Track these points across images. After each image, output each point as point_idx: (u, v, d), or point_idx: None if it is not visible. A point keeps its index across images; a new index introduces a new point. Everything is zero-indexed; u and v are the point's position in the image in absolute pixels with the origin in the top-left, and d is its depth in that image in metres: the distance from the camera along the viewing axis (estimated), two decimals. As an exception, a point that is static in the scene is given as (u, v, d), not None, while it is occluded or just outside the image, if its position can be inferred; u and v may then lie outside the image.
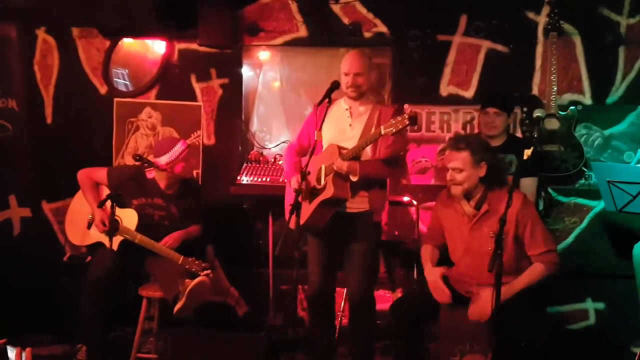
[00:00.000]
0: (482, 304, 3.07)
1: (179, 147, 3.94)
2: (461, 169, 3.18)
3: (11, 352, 1.95)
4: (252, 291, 4.60)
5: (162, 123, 4.74)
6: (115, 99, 4.76)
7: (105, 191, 3.99)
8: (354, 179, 3.30)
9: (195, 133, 4.70)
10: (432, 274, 3.33)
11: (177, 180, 4.04)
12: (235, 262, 4.62)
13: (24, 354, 1.88)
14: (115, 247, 3.76)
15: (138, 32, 4.71)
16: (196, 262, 3.77)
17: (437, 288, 3.27)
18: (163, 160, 3.90)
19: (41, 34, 4.77)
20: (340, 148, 3.37)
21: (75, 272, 4.26)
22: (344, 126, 3.54)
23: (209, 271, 3.75)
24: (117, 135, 4.75)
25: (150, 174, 4.03)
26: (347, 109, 3.55)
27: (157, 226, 3.95)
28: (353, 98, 3.53)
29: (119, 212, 3.83)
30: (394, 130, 3.10)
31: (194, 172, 4.66)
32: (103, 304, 3.76)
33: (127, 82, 4.92)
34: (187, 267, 3.76)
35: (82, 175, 4.02)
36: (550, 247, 3.20)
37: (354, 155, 3.29)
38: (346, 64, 3.49)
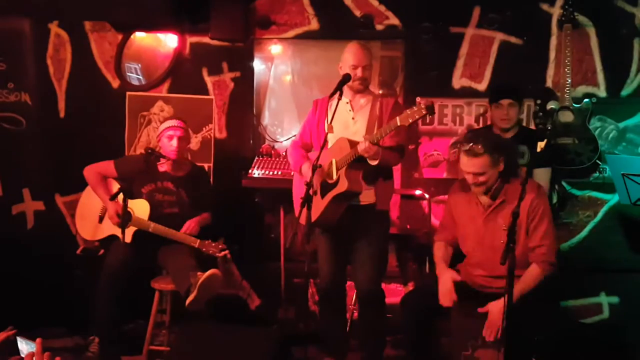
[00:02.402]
0: (495, 321, 3.03)
1: (177, 120, 4.01)
2: (483, 172, 3.12)
3: (21, 344, 1.95)
4: (263, 285, 4.58)
5: (174, 116, 4.71)
6: (128, 93, 4.76)
7: (114, 184, 4.02)
8: (373, 163, 3.26)
9: (207, 126, 4.69)
10: (445, 276, 3.24)
11: (185, 164, 4.06)
12: (247, 255, 4.61)
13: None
14: (129, 239, 3.76)
15: (150, 26, 4.70)
16: (212, 244, 3.77)
17: (444, 290, 3.19)
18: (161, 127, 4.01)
19: (54, 28, 4.77)
20: (351, 141, 3.34)
21: (88, 264, 4.28)
22: (347, 120, 3.53)
23: (226, 251, 3.73)
24: (130, 128, 4.74)
25: (162, 167, 4.03)
26: (347, 102, 3.54)
27: (167, 215, 3.94)
28: (358, 91, 3.51)
29: (130, 203, 3.84)
30: (410, 121, 3.07)
31: (206, 166, 4.66)
32: (116, 296, 3.77)
33: (140, 77, 4.91)
34: (204, 249, 3.76)
35: (89, 171, 4.03)
36: (545, 243, 3.11)
37: (376, 141, 3.25)
38: (353, 57, 3.47)
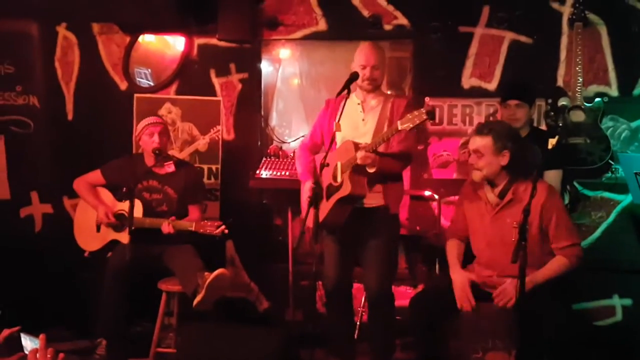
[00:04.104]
0: (509, 289, 3.01)
1: (154, 117, 4.07)
2: (482, 154, 3.12)
3: (25, 340, 1.95)
4: (271, 287, 4.58)
5: (181, 118, 4.74)
6: (136, 95, 4.77)
7: (104, 192, 4.10)
8: (371, 170, 3.26)
9: (214, 128, 4.70)
10: (460, 278, 3.21)
11: (169, 160, 4.07)
12: (255, 257, 4.60)
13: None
14: (127, 239, 3.77)
15: (157, 28, 4.73)
16: (208, 223, 3.75)
17: (462, 294, 3.16)
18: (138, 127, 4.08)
19: (62, 30, 4.80)
20: (356, 144, 3.33)
21: (95, 267, 4.28)
22: (357, 121, 3.51)
23: (223, 227, 3.71)
24: (137, 131, 4.76)
25: (170, 167, 4.05)
26: (359, 103, 3.53)
27: (159, 214, 3.95)
28: (368, 91, 3.50)
29: (123, 205, 3.95)
30: (411, 126, 3.05)
31: (214, 167, 4.66)
32: (123, 298, 3.79)
33: (150, 82, 4.92)
34: (200, 231, 3.73)
35: (77, 182, 4.13)
36: (575, 241, 3.12)
37: (375, 149, 3.25)
38: (362, 57, 3.46)
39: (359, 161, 3.24)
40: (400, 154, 3.40)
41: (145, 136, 4.01)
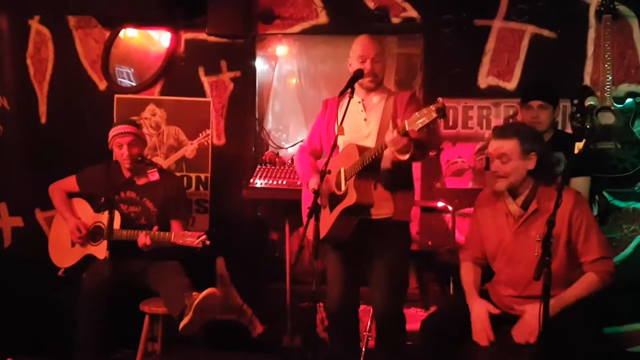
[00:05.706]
0: (529, 322, 2.99)
1: (122, 127, 4.04)
2: (508, 158, 3.11)
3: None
4: (266, 309, 4.59)
5: (167, 121, 4.76)
6: (116, 96, 4.80)
7: (82, 203, 4.13)
8: (403, 158, 3.22)
9: (203, 132, 4.71)
10: (479, 309, 3.19)
11: (144, 168, 4.08)
12: (249, 276, 4.60)
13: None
14: (103, 254, 3.78)
15: (140, 21, 4.74)
16: (188, 234, 3.76)
17: (481, 328, 3.14)
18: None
19: (34, 24, 4.82)
20: (360, 147, 3.32)
21: (71, 287, 4.28)
22: (359, 122, 3.51)
23: (204, 237, 3.71)
24: (118, 135, 4.76)
25: (154, 176, 4.06)
26: (359, 102, 3.52)
27: (138, 227, 3.95)
28: (370, 89, 3.50)
29: (101, 217, 3.96)
30: (420, 126, 3.03)
31: (203, 176, 4.66)
32: (100, 321, 3.78)
33: (133, 82, 4.94)
34: (180, 242, 3.75)
35: (52, 188, 4.21)
36: (606, 254, 3.11)
37: (407, 131, 3.12)
38: (360, 48, 3.46)
39: (388, 143, 3.14)
40: (417, 140, 3.35)
41: (115, 147, 4.05)
